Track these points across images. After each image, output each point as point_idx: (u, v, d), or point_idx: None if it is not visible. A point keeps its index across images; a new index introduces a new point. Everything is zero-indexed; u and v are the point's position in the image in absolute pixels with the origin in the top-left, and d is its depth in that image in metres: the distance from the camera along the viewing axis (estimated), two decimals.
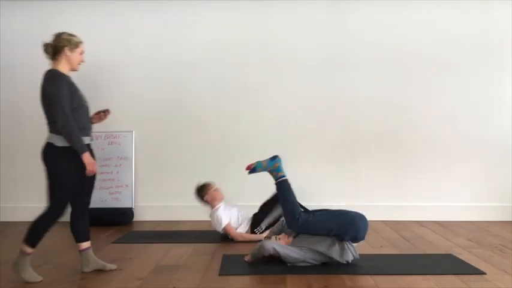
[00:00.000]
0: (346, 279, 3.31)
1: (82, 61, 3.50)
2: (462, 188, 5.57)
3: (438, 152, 5.52)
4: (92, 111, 3.65)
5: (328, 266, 3.59)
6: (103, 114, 3.66)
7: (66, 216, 5.62)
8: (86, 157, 3.23)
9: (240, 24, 5.68)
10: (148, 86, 5.70)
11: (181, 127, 5.69)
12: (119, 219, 5.36)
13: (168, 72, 5.69)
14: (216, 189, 4.79)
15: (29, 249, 3.32)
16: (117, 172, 5.64)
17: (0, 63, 5.67)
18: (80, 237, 3.54)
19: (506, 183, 5.55)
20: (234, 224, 4.66)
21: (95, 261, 3.52)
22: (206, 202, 4.73)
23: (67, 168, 3.26)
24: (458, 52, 5.59)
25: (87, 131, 3.40)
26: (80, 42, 3.45)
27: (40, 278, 3.31)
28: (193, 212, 5.59)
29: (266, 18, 5.68)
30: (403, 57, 5.60)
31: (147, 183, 5.67)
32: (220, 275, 3.41)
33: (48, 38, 3.47)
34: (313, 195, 5.57)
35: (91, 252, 3.55)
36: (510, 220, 5.51)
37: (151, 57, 5.70)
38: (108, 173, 5.63)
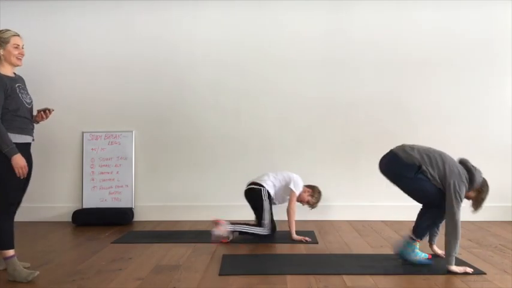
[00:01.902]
0: (346, 279, 3.31)
1: (21, 54, 3.38)
2: None
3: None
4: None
5: (328, 266, 3.59)
6: (43, 113, 3.58)
7: (67, 216, 5.65)
8: (15, 159, 3.20)
9: (240, 24, 5.68)
10: (148, 86, 5.70)
11: (181, 127, 5.69)
12: (119, 219, 5.36)
13: (168, 72, 5.69)
14: (310, 192, 4.73)
15: (10, 252, 3.31)
16: (117, 172, 5.64)
17: None
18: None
19: (506, 183, 5.56)
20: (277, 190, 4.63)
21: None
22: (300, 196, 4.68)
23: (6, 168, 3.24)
24: (458, 52, 5.59)
25: (28, 131, 3.40)
26: (11, 36, 3.33)
27: (37, 272, 3.32)
28: (193, 212, 5.61)
29: (266, 18, 5.68)
30: (404, 57, 5.60)
31: (147, 183, 5.67)
32: (220, 275, 3.41)
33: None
34: None
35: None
36: (510, 220, 5.51)
37: (151, 57, 5.70)
38: (108, 173, 5.63)
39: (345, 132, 5.63)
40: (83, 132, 5.68)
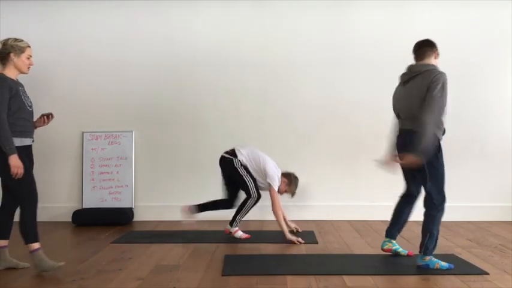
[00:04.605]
0: (346, 279, 3.31)
1: (31, 64, 3.59)
2: (462, 188, 5.56)
3: None
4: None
5: (328, 266, 3.59)
6: (46, 117, 3.74)
7: (67, 216, 5.65)
8: (12, 159, 3.31)
9: (240, 24, 5.68)
10: (148, 86, 5.70)
11: (181, 127, 5.69)
12: (119, 219, 5.36)
13: (168, 72, 5.69)
14: (291, 184, 4.70)
15: (36, 245, 3.45)
16: (117, 172, 5.64)
17: None
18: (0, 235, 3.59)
19: (506, 183, 5.55)
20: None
21: (8, 259, 3.57)
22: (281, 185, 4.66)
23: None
24: (458, 52, 5.58)
25: (27, 133, 3.53)
26: (26, 47, 3.54)
27: (62, 263, 3.48)
28: None
29: (266, 19, 5.68)
30: (404, 57, 5.53)
31: (147, 183, 5.67)
32: (223, 275, 3.41)
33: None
34: (313, 195, 5.58)
35: (6, 250, 3.58)
36: (510, 220, 5.51)
37: (152, 57, 5.69)
38: (108, 173, 5.63)
39: (345, 132, 5.63)
40: (83, 132, 5.68)
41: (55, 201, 5.62)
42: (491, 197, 5.57)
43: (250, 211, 4.61)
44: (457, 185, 5.57)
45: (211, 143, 5.65)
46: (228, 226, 4.67)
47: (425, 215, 3.61)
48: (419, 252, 3.55)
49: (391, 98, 3.90)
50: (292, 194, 4.75)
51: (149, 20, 5.71)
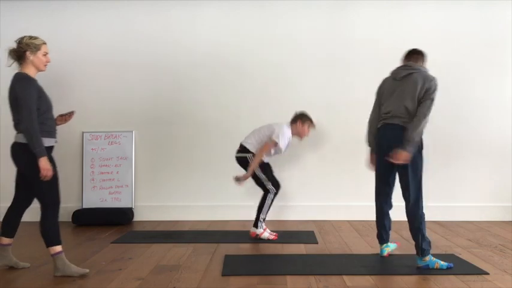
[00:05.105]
0: (346, 279, 3.31)
1: (47, 61, 3.53)
2: (462, 188, 5.57)
3: (438, 152, 5.51)
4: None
5: (328, 266, 3.59)
6: (68, 116, 3.76)
7: (67, 216, 5.65)
8: (43, 161, 3.28)
9: (240, 24, 5.68)
10: (148, 86, 5.70)
11: (181, 127, 5.69)
12: (119, 219, 5.36)
13: (168, 72, 5.69)
14: (309, 125, 4.69)
15: (58, 248, 3.42)
16: (117, 172, 5.64)
17: (0, 63, 5.67)
18: (7, 232, 3.58)
19: (506, 183, 5.55)
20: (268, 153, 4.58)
21: (9, 257, 3.56)
22: (293, 129, 4.63)
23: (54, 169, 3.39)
24: (458, 52, 5.59)
25: (54, 133, 3.50)
26: (42, 44, 3.48)
27: (87, 270, 3.44)
28: (193, 212, 5.61)
29: (266, 18, 5.68)
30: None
31: (147, 183, 5.67)
32: (223, 275, 3.41)
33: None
34: (313, 195, 5.59)
35: (9, 249, 3.59)
36: (510, 220, 5.51)
37: (152, 57, 5.69)
38: (108, 173, 5.63)
39: (345, 132, 5.62)
40: (83, 132, 5.68)
41: None
42: (491, 197, 5.57)
43: (271, 207, 4.55)
44: (457, 185, 5.59)
45: (211, 143, 5.66)
46: (253, 228, 4.54)
47: (408, 215, 3.63)
48: (418, 254, 3.56)
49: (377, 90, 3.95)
50: (312, 124, 4.70)
51: (149, 20, 5.70)
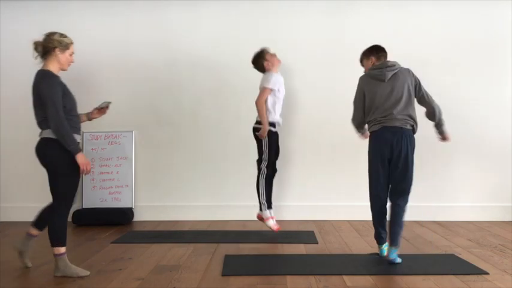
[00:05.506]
0: (346, 279, 3.31)
1: (72, 61, 3.51)
2: (462, 188, 5.57)
3: (438, 152, 5.50)
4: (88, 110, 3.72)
5: (328, 266, 3.59)
6: (105, 108, 3.77)
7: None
8: (80, 157, 3.27)
9: (240, 24, 5.68)
10: (148, 86, 5.70)
11: (181, 127, 5.69)
12: (119, 219, 5.36)
13: (168, 72, 5.69)
14: (273, 54, 4.68)
15: (62, 249, 3.37)
16: (117, 172, 5.64)
17: (0, 63, 5.68)
18: (39, 224, 3.57)
19: (506, 183, 5.55)
20: (270, 106, 4.55)
21: (27, 247, 3.56)
22: (265, 70, 4.63)
23: (68, 167, 3.33)
24: (458, 52, 5.59)
25: (79, 130, 3.48)
26: (71, 44, 3.45)
27: (88, 272, 3.41)
28: (193, 212, 5.61)
29: (266, 18, 5.68)
30: (403, 57, 5.54)
31: (147, 183, 5.67)
32: (223, 275, 3.41)
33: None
34: (313, 195, 5.59)
35: (32, 239, 3.59)
36: (510, 220, 5.51)
37: (152, 57, 5.69)
38: (108, 173, 5.63)
39: (345, 132, 5.61)
40: (83, 132, 5.67)
41: None
42: (491, 197, 5.56)
43: (267, 185, 4.55)
44: (457, 185, 5.59)
45: (211, 143, 5.66)
46: (259, 211, 4.63)
47: (399, 209, 3.70)
48: (394, 245, 3.62)
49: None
50: (270, 51, 4.68)
51: (149, 20, 5.70)
